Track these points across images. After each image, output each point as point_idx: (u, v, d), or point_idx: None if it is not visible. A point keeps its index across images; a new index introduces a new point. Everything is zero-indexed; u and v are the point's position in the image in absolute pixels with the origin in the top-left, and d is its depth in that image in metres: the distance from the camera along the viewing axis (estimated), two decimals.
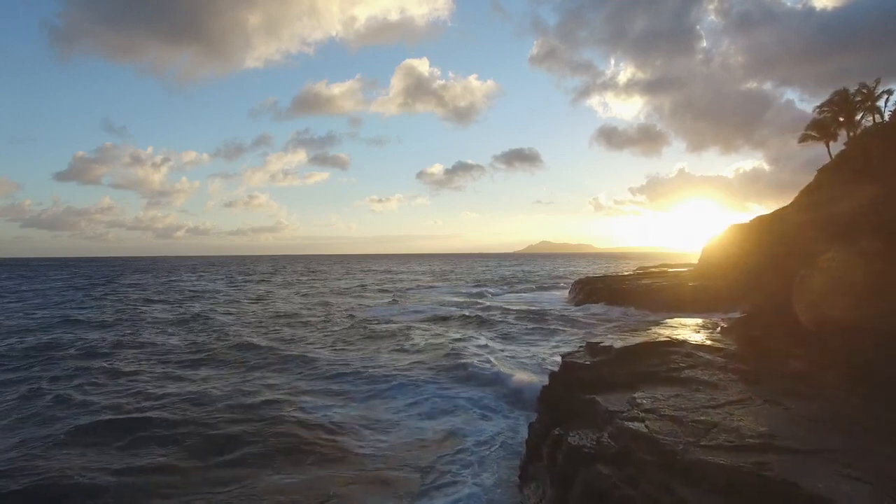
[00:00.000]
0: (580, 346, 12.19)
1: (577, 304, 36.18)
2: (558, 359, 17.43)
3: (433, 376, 15.47)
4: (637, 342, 10.96)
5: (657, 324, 22.37)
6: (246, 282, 68.58)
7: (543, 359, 16.79)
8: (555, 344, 19.69)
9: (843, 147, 39.79)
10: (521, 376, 14.44)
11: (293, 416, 12.66)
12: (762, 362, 8.55)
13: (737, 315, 27.08)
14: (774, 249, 31.06)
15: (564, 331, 22.23)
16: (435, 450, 10.77)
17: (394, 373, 16.11)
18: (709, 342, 10.44)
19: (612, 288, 35.56)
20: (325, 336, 23.54)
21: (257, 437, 11.41)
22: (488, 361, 17.10)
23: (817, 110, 37.39)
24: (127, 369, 17.00)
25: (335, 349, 20.27)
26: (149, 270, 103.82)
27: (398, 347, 20.57)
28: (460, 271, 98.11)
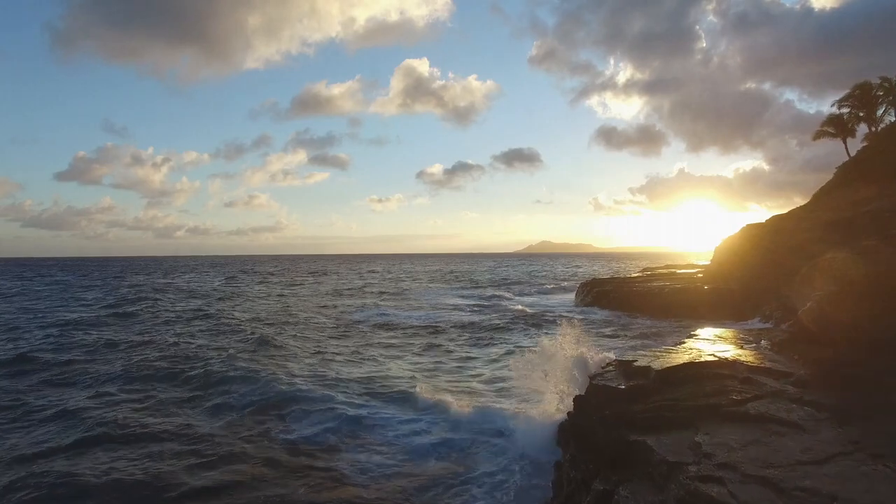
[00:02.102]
0: (609, 364, 10.59)
1: (585, 308, 34.60)
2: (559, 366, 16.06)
3: (436, 395, 13.83)
4: (679, 362, 9.37)
5: (684, 334, 20.70)
6: (242, 282, 66.93)
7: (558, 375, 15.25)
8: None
9: (862, 144, 38.48)
10: (536, 397, 12.79)
11: (279, 437, 11.09)
12: (848, 394, 6.96)
13: (756, 321, 25.58)
14: (781, 250, 29.66)
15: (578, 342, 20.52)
16: (439, 487, 9.20)
17: (389, 388, 14.46)
18: (767, 363, 8.84)
19: (622, 290, 33.97)
20: (316, 342, 21.85)
21: (238, 463, 9.86)
22: (496, 376, 15.52)
23: (836, 105, 35.90)
24: (94, 383, 15.40)
25: (325, 357, 18.51)
26: (149, 272, 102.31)
27: (395, 358, 18.96)
28: (461, 272, 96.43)
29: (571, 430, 9.16)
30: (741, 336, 13.06)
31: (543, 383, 12.59)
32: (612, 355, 12.69)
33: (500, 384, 14.68)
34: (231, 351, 19.17)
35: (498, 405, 12.66)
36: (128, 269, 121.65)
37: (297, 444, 10.68)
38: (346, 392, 13.81)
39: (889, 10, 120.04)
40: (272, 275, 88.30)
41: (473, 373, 16.46)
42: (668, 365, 9.16)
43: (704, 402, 7.18)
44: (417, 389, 13.89)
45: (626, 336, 22.19)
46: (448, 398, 13.18)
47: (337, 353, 19.38)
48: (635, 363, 9.75)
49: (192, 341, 21.76)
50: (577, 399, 9.88)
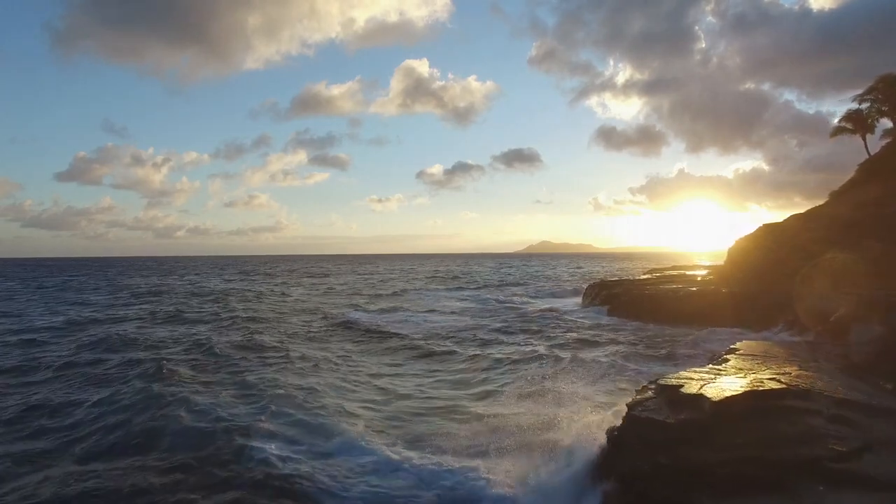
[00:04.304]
0: (648, 388, 8.89)
1: (593, 312, 32.87)
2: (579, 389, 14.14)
3: (435, 420, 11.93)
4: (738, 389, 7.68)
5: (716, 344, 18.94)
6: (239, 284, 65.17)
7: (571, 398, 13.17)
8: (584, 371, 16.13)
9: (881, 140, 36.84)
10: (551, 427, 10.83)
11: (255, 464, 9.23)
12: None
13: (780, 329, 23.86)
14: (784, 250, 28.13)
15: (596, 359, 18.10)
16: None
17: (380, 411, 12.58)
18: (853, 394, 7.15)
19: (633, 293, 32.21)
20: (296, 352, 19.20)
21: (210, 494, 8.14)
22: (488, 401, 13.29)
23: (857, 99, 34.22)
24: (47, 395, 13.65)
25: (300, 374, 15.95)
26: (146, 274, 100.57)
27: (379, 375, 16.95)
28: (460, 272, 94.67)
29: (608, 469, 7.48)
30: (792, 351, 11.38)
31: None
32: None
33: (493, 419, 12.17)
34: (191, 366, 16.92)
35: (512, 444, 10.35)
36: (128, 269, 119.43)
37: (280, 464, 8.78)
38: (308, 425, 11.12)
39: (888, 10, 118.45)
40: (270, 276, 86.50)
41: (464, 396, 14.16)
42: (726, 394, 7.48)
43: (796, 453, 5.49)
44: (419, 413, 12.02)
45: (644, 345, 20.39)
46: (451, 425, 11.28)
47: (314, 370, 16.56)
48: (682, 389, 8.07)
49: (168, 352, 20.00)
50: (612, 434, 8.21)
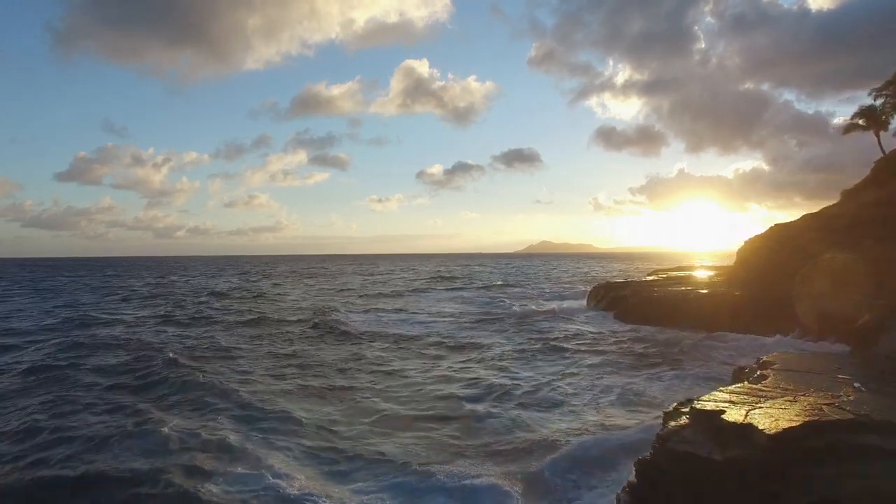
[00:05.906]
0: (679, 411, 7.67)
1: (598, 316, 31.64)
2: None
3: (423, 445, 10.63)
4: (793, 419, 6.45)
5: (729, 350, 17.83)
6: (235, 284, 63.95)
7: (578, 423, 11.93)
8: (590, 383, 14.88)
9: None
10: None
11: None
12: None
13: (796, 335, 22.58)
14: (786, 250, 27.07)
15: (604, 369, 16.67)
16: None
17: (363, 431, 11.31)
18: None
19: (641, 296, 30.88)
20: (291, 361, 18.28)
21: None
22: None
23: (873, 94, 32.99)
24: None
25: (297, 384, 15.12)
26: (142, 276, 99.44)
27: (381, 380, 15.83)
28: (461, 272, 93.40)
29: None
30: (835, 366, 10.14)
31: None
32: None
33: (486, 443, 10.54)
34: (169, 378, 15.11)
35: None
36: (127, 269, 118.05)
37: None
38: (281, 460, 9.58)
39: (888, 10, 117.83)
40: (269, 276, 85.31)
41: (457, 413, 12.56)
42: (781, 424, 6.24)
43: None
44: (412, 436, 10.67)
45: (655, 353, 19.11)
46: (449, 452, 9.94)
47: (302, 380, 15.50)
48: (724, 416, 6.85)
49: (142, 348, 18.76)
50: (642, 468, 7.00)
